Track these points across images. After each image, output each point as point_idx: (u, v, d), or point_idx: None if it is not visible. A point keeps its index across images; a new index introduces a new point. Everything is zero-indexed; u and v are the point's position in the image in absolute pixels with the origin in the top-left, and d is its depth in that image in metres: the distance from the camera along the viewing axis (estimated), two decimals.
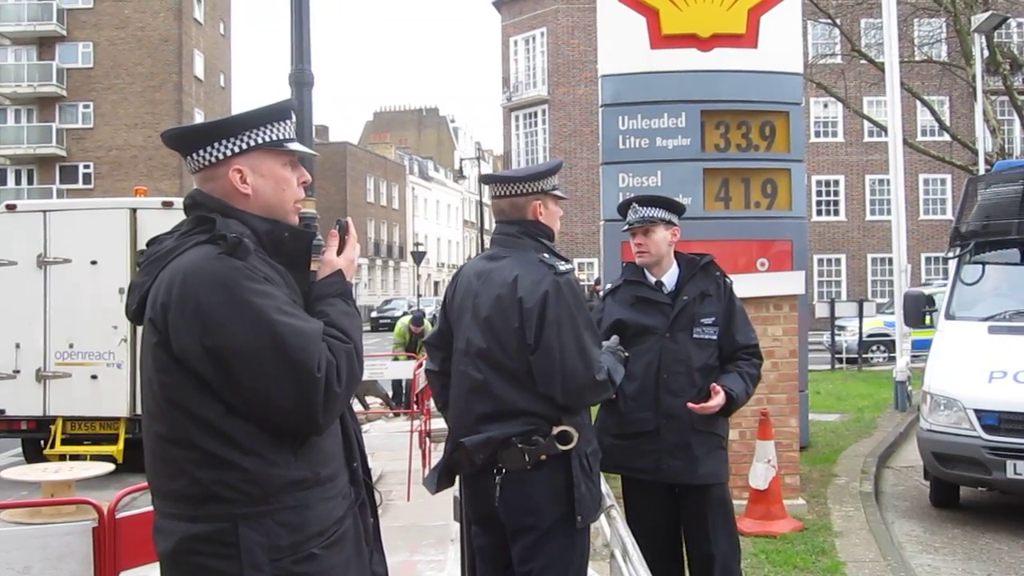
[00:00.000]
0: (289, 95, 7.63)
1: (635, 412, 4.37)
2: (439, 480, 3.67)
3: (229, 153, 2.39)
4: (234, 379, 2.21)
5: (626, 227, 4.62)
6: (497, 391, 3.50)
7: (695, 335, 4.45)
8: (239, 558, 2.21)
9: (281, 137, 2.46)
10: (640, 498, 4.55)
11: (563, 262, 3.58)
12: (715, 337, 4.47)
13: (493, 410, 3.50)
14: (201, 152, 2.40)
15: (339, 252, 2.54)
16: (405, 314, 18.09)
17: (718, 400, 4.28)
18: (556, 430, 3.45)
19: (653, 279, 4.58)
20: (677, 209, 4.64)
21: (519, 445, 3.43)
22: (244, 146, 2.40)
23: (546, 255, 3.58)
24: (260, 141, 2.42)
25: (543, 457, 3.44)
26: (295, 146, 2.49)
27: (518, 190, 3.68)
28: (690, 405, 4.30)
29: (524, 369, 3.47)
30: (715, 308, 4.49)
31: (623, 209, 4.67)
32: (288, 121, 2.49)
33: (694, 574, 4.58)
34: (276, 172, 2.45)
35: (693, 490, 4.44)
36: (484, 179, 3.89)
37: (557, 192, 3.76)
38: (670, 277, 4.57)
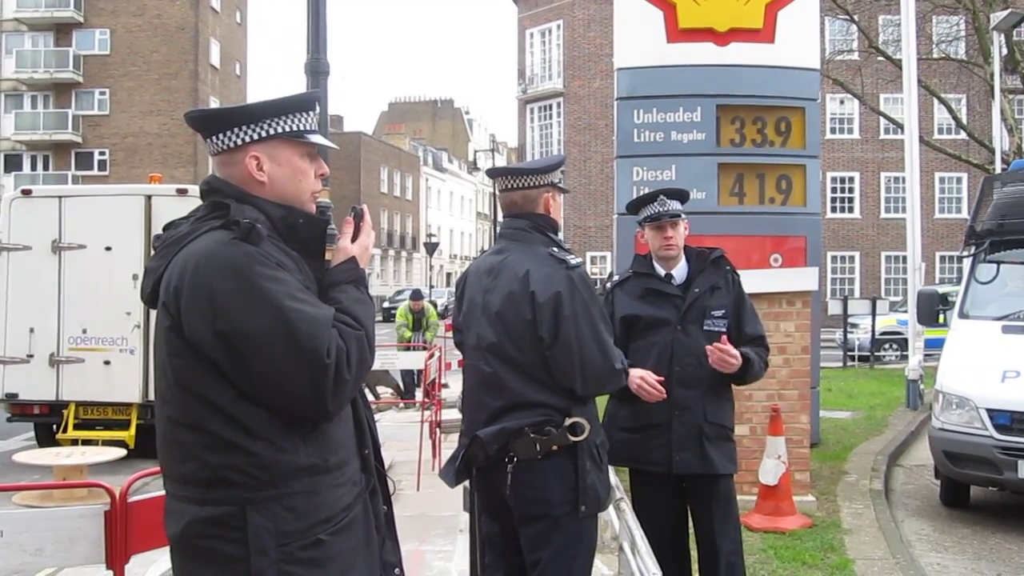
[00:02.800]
0: (305, 84, 7.65)
1: (647, 404, 4.36)
2: (457, 474, 3.70)
3: (248, 139, 2.40)
4: (244, 364, 2.22)
5: (651, 219, 4.55)
6: (508, 384, 3.54)
7: (706, 327, 4.47)
8: (246, 542, 2.22)
9: (302, 128, 2.46)
10: (648, 492, 4.57)
11: (572, 256, 3.61)
12: (724, 330, 4.48)
13: (506, 403, 3.53)
14: (221, 136, 2.41)
15: (353, 239, 2.55)
16: (404, 298, 18.44)
17: (735, 353, 4.29)
18: (568, 421, 3.49)
19: (662, 272, 4.59)
20: (686, 201, 4.71)
21: (531, 435, 3.47)
22: (264, 134, 2.41)
23: (555, 249, 3.61)
24: (280, 130, 2.43)
25: (554, 447, 3.48)
26: (315, 138, 2.49)
27: (532, 182, 3.70)
28: (709, 348, 4.30)
29: (535, 362, 3.51)
30: (725, 301, 4.52)
31: (644, 202, 4.62)
32: (311, 112, 2.49)
33: (701, 568, 4.60)
34: (294, 162, 2.46)
35: (702, 482, 4.47)
36: (494, 172, 3.89)
37: (562, 185, 3.81)
38: (680, 271, 4.58)
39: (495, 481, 3.58)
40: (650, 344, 4.46)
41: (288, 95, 2.49)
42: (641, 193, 9.37)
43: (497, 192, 3.89)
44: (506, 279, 3.60)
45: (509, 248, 3.71)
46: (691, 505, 4.60)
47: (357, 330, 2.34)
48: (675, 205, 4.55)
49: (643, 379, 4.20)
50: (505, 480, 3.51)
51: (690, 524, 4.67)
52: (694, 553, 4.69)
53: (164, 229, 2.45)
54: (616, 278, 4.87)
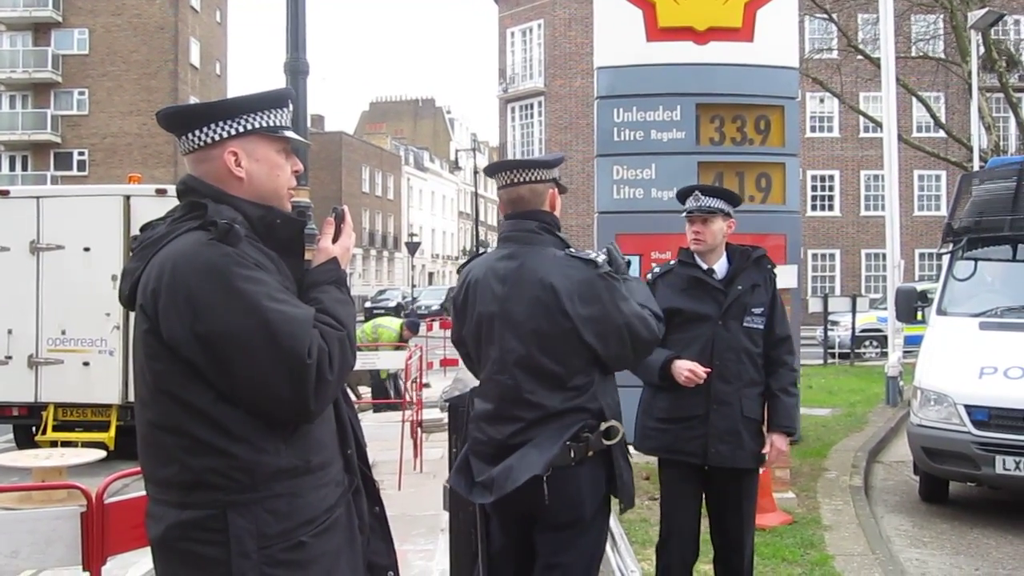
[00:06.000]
0: (285, 84, 7.64)
1: (686, 396, 4.45)
2: (480, 490, 3.52)
3: (225, 135, 2.38)
4: (224, 365, 2.21)
5: (685, 213, 4.70)
6: (538, 396, 3.42)
7: (746, 323, 4.58)
8: (227, 545, 2.21)
9: (278, 124, 2.45)
10: (678, 481, 4.61)
11: (589, 252, 3.51)
12: (763, 327, 4.61)
13: (539, 415, 3.42)
14: (196, 132, 2.38)
15: (334, 240, 2.54)
16: (386, 312, 17.51)
17: (781, 449, 4.61)
18: (604, 426, 3.44)
19: (704, 266, 4.67)
20: (736, 202, 4.80)
21: (567, 443, 3.39)
22: (241, 129, 2.39)
23: (572, 249, 3.51)
24: (257, 125, 2.41)
25: (590, 453, 3.42)
26: (290, 134, 2.49)
27: (540, 176, 3.56)
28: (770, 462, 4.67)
29: (566, 371, 3.41)
30: (764, 298, 4.65)
31: (683, 195, 4.76)
32: (285, 109, 2.48)
33: (721, 556, 4.66)
34: (271, 157, 2.45)
35: (732, 475, 4.54)
36: (498, 166, 3.67)
37: (562, 183, 3.71)
38: (720, 266, 4.69)
39: (520, 492, 3.38)
40: (691, 338, 4.53)
41: (263, 91, 2.48)
42: (621, 191, 9.49)
43: (498, 188, 3.67)
44: (529, 287, 3.44)
45: (520, 253, 3.52)
46: (717, 497, 4.65)
47: (338, 330, 2.33)
48: (712, 202, 4.64)
49: (692, 371, 4.33)
50: (539, 490, 3.35)
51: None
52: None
53: (141, 230, 2.43)
54: (657, 269, 4.88)
